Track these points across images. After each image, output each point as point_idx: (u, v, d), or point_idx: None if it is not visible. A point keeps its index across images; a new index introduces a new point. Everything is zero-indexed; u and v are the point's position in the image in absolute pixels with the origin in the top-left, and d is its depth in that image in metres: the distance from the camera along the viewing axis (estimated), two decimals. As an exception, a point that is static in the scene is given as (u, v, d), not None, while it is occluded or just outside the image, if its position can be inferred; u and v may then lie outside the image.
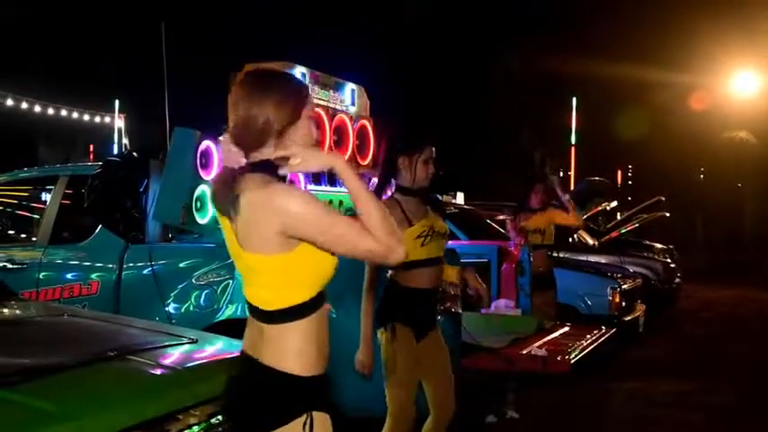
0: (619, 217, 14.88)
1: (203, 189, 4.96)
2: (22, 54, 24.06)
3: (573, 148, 24.75)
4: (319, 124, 5.95)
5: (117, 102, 23.76)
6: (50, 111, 22.15)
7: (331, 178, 6.08)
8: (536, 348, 4.97)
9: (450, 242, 6.94)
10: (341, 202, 6.14)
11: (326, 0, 25.98)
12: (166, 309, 5.31)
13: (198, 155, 4.87)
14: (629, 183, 37.22)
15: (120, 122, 23.65)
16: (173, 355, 2.75)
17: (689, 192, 28.87)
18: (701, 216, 30.43)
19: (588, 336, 5.75)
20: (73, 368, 2.37)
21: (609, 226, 14.79)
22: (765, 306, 14.56)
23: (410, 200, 4.02)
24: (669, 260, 13.72)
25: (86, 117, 23.72)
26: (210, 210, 5.04)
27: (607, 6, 27.63)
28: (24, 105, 21.24)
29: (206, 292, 5.25)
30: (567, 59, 25.70)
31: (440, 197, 12.99)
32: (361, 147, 6.40)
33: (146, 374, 2.53)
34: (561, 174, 27.18)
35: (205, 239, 5.46)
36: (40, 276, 5.75)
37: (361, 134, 6.40)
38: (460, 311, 4.84)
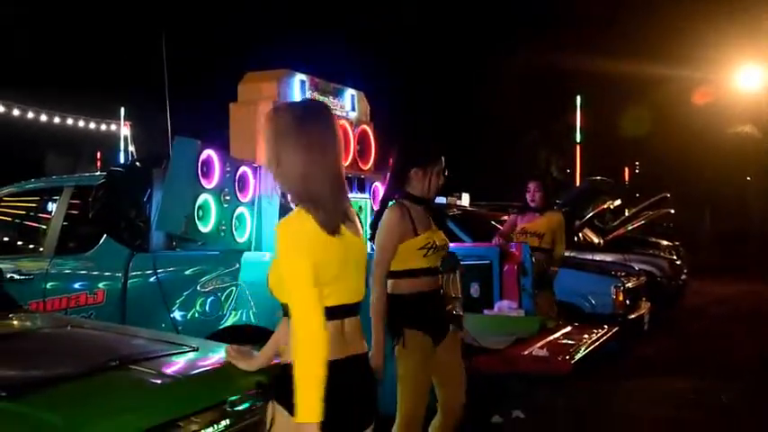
0: (626, 214, 14.91)
1: (205, 198, 5.01)
2: (27, 63, 24.18)
3: (578, 147, 24.74)
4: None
5: (123, 109, 23.87)
6: (56, 119, 22.30)
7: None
8: (537, 349, 4.98)
9: (452, 244, 7.01)
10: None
11: (326, 4, 26.04)
12: (171, 316, 5.37)
13: (199, 164, 4.93)
14: (636, 179, 37.16)
15: (126, 130, 23.78)
16: (174, 364, 2.81)
17: (696, 187, 28.80)
18: (709, 211, 30.37)
19: (590, 335, 5.76)
20: (76, 379, 2.43)
21: (615, 224, 14.85)
22: (772, 302, 14.57)
23: (417, 208, 4.08)
24: (675, 257, 13.74)
25: (92, 125, 23.88)
26: (213, 218, 5.10)
27: (610, 3, 27.61)
28: (30, 115, 21.39)
29: (210, 299, 5.32)
30: (571, 57, 25.71)
31: (445, 199, 13.04)
32: (362, 152, 6.45)
33: (147, 383, 2.59)
34: (568, 171, 27.19)
35: (209, 247, 5.53)
36: (47, 287, 5.81)
37: (362, 139, 6.45)
38: (461, 313, 4.87)
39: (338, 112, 6.28)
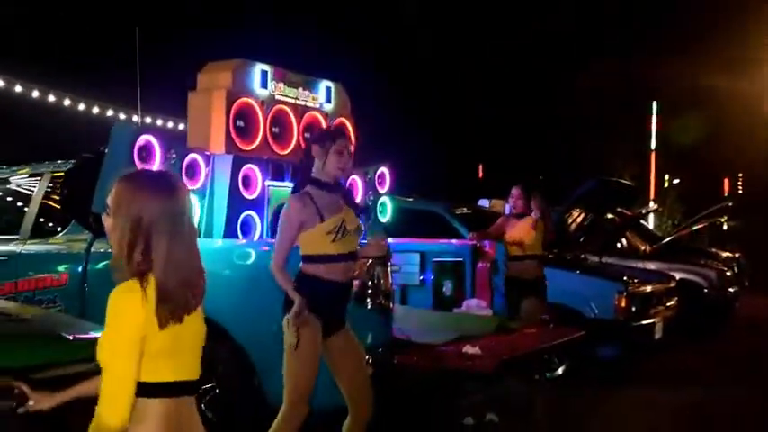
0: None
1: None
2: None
3: (653, 154, 23.96)
4: (285, 120, 6.01)
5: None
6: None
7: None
8: (470, 347, 4.82)
9: (429, 240, 6.88)
10: None
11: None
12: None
13: (136, 149, 4.97)
14: (737, 192, 35.68)
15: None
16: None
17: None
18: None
19: (552, 339, 5.57)
20: None
21: (674, 231, 14.41)
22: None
23: (323, 194, 4.03)
24: (728, 269, 13.04)
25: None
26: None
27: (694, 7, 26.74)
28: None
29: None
30: (653, 63, 24.98)
31: (488, 202, 12.74)
32: (339, 144, 6.39)
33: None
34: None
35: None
36: (19, 268, 5.97)
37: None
38: (391, 305, 4.76)
39: (309, 104, 6.25)
